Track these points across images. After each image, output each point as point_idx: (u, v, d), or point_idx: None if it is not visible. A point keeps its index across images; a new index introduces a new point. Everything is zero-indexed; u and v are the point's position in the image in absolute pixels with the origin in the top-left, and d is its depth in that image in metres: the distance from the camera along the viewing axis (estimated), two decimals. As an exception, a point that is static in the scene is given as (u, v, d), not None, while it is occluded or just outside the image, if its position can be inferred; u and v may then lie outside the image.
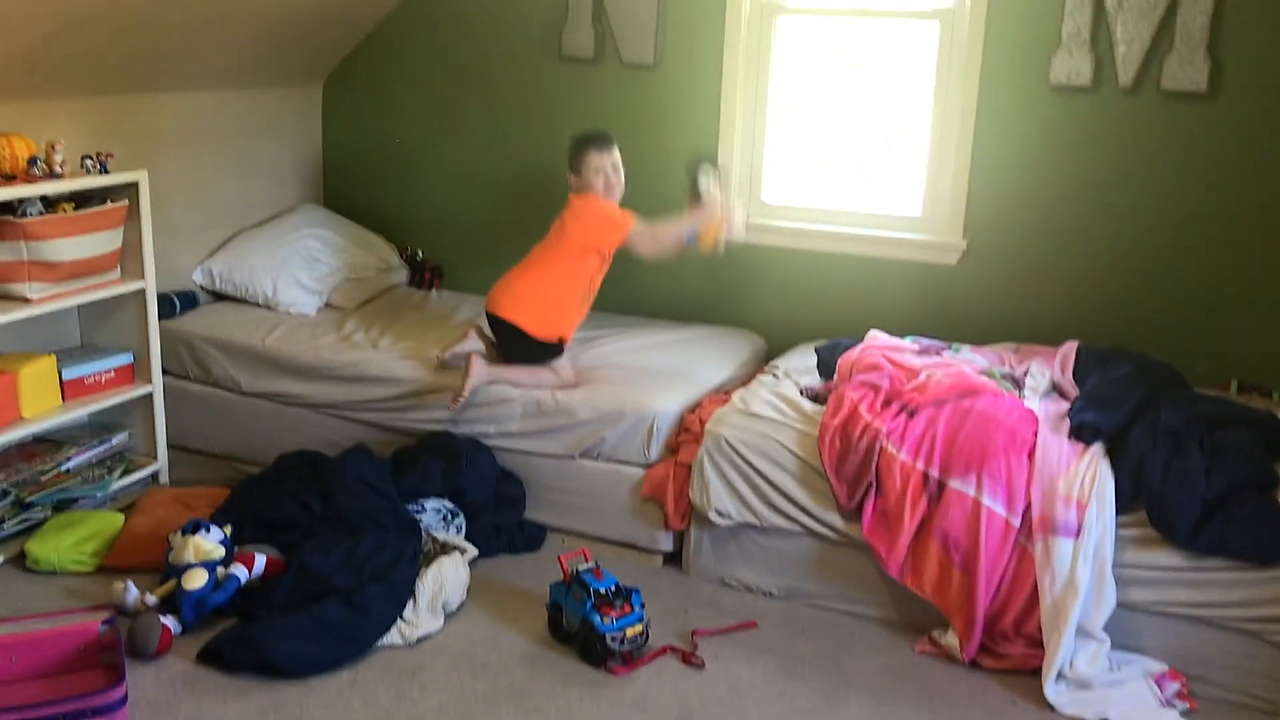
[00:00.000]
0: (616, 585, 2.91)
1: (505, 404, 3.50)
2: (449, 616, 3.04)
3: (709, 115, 4.09)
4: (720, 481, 3.19)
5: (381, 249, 4.59)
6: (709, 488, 3.20)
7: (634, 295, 4.27)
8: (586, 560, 2.99)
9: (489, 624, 3.03)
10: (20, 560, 3.20)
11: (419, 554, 3.15)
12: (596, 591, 2.87)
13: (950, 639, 2.94)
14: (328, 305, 4.26)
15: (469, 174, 4.54)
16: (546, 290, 3.59)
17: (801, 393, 3.39)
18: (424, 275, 4.63)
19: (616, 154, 3.61)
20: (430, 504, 3.37)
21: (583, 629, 2.86)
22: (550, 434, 3.45)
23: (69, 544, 3.21)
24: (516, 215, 4.40)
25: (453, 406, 3.49)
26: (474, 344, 3.65)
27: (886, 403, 3.17)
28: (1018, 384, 3.30)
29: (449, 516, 3.38)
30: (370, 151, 4.71)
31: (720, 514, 3.20)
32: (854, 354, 3.46)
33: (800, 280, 4.11)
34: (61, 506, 3.39)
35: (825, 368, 3.56)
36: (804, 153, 4.13)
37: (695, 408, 3.45)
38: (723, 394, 3.53)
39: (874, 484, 3.02)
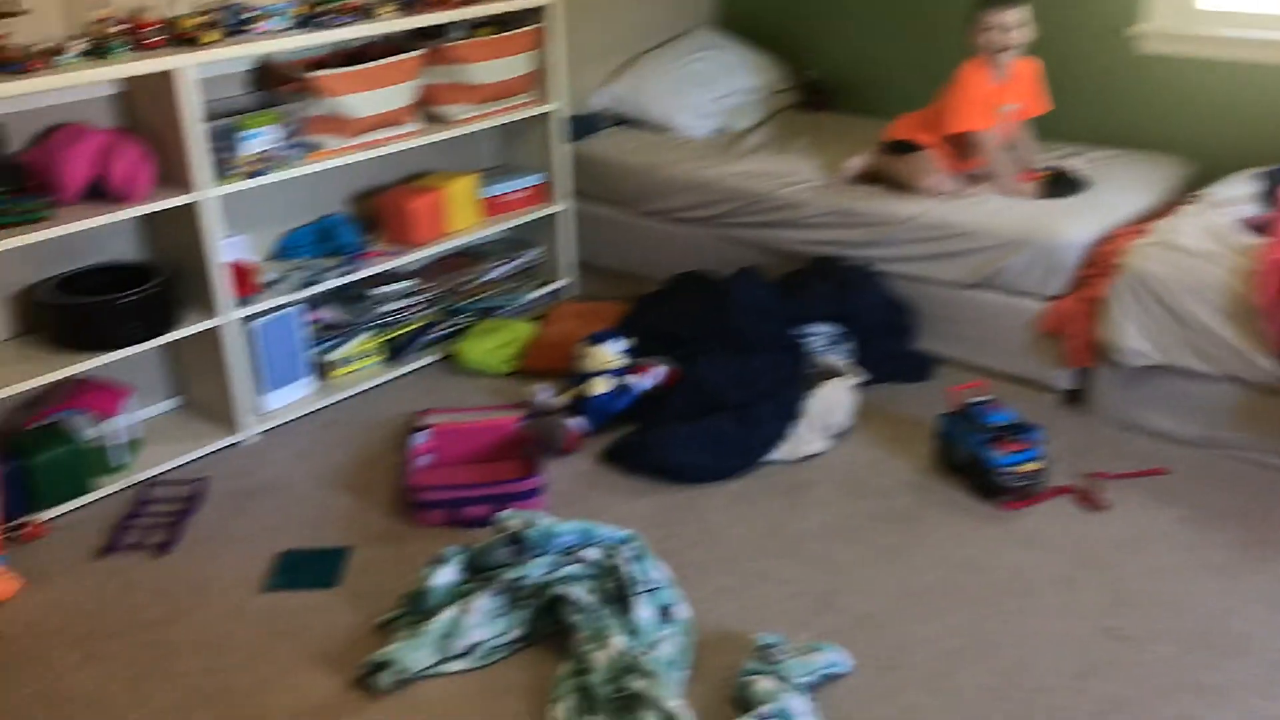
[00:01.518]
0: (1012, 420, 2.79)
1: (898, 225, 3.40)
2: (836, 438, 3.06)
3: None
4: (1136, 319, 2.95)
5: (776, 71, 4.52)
6: (1122, 325, 2.97)
7: (1047, 116, 3.95)
8: (981, 393, 2.89)
9: (876, 449, 3.03)
10: (451, 360, 3.55)
11: (807, 376, 3.17)
12: (991, 425, 2.77)
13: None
14: (722, 128, 4.28)
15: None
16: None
17: (1243, 222, 3.03)
18: (818, 97, 4.53)
19: (1009, 13, 3.36)
20: (819, 328, 3.36)
21: (974, 462, 2.79)
22: (946, 259, 3.32)
23: (490, 347, 3.51)
24: (924, 40, 4.18)
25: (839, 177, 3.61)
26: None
27: (1345, 236, 2.77)
28: None
29: (837, 341, 3.37)
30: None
31: (1131, 353, 2.97)
32: (1306, 180, 3.04)
33: (1237, 98, 3.62)
34: (484, 313, 3.71)
35: (1270, 195, 3.15)
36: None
37: (1109, 238, 3.18)
38: (1139, 225, 3.23)
39: (1321, 327, 2.68)
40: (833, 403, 3.08)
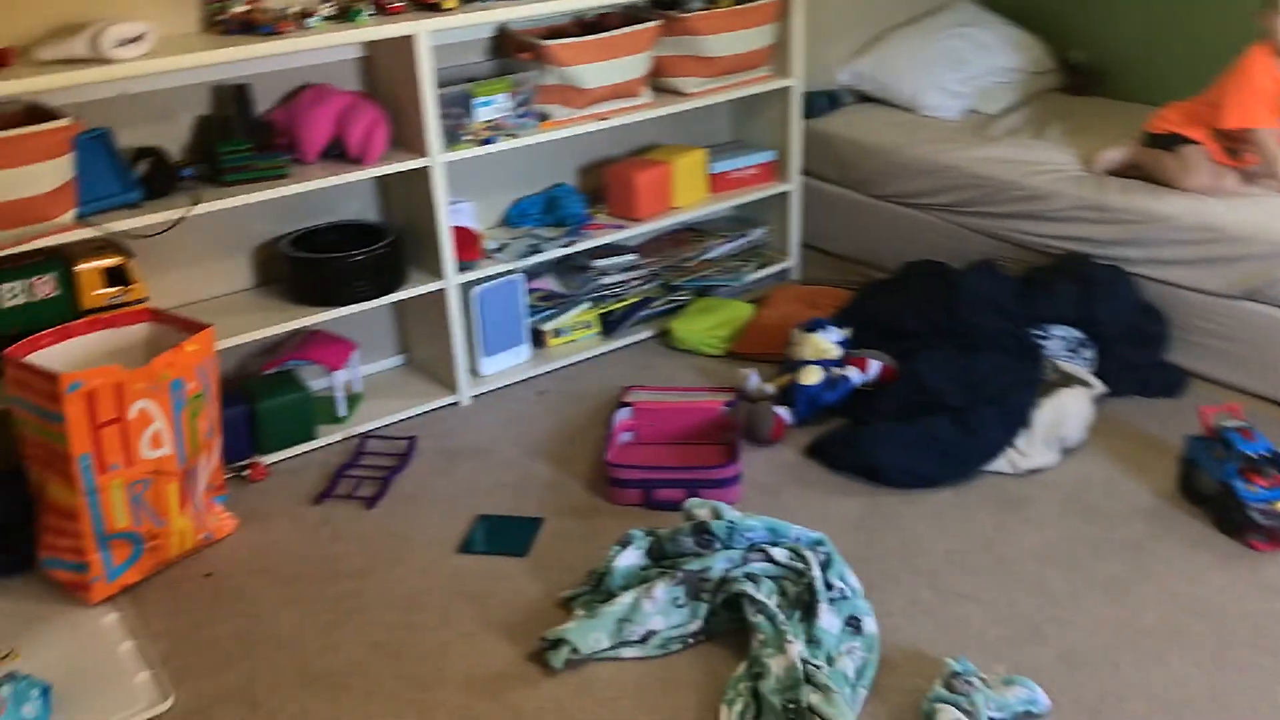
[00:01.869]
0: (1271, 451, 2.49)
1: (1158, 224, 3.09)
2: (1065, 452, 2.82)
3: None
4: None
5: (1035, 50, 4.22)
6: None
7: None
8: (1236, 417, 2.59)
9: (1110, 468, 2.77)
10: (664, 337, 3.51)
11: (1039, 381, 2.94)
12: (1244, 454, 2.48)
13: None
14: (973, 110, 4.03)
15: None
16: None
17: None
18: (1083, 80, 4.20)
19: None
20: (1058, 331, 3.11)
21: (1221, 493, 2.50)
22: (1210, 265, 3.00)
23: (705, 327, 3.45)
24: (1204, 22, 3.80)
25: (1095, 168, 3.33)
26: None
27: None
28: None
29: (1077, 347, 3.11)
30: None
31: None
32: None
33: None
34: (702, 292, 3.64)
35: None
36: None
37: None
38: None
39: None
40: (1066, 413, 2.84)
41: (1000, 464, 2.77)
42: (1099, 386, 2.99)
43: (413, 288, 3.05)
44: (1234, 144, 3.16)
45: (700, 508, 2.41)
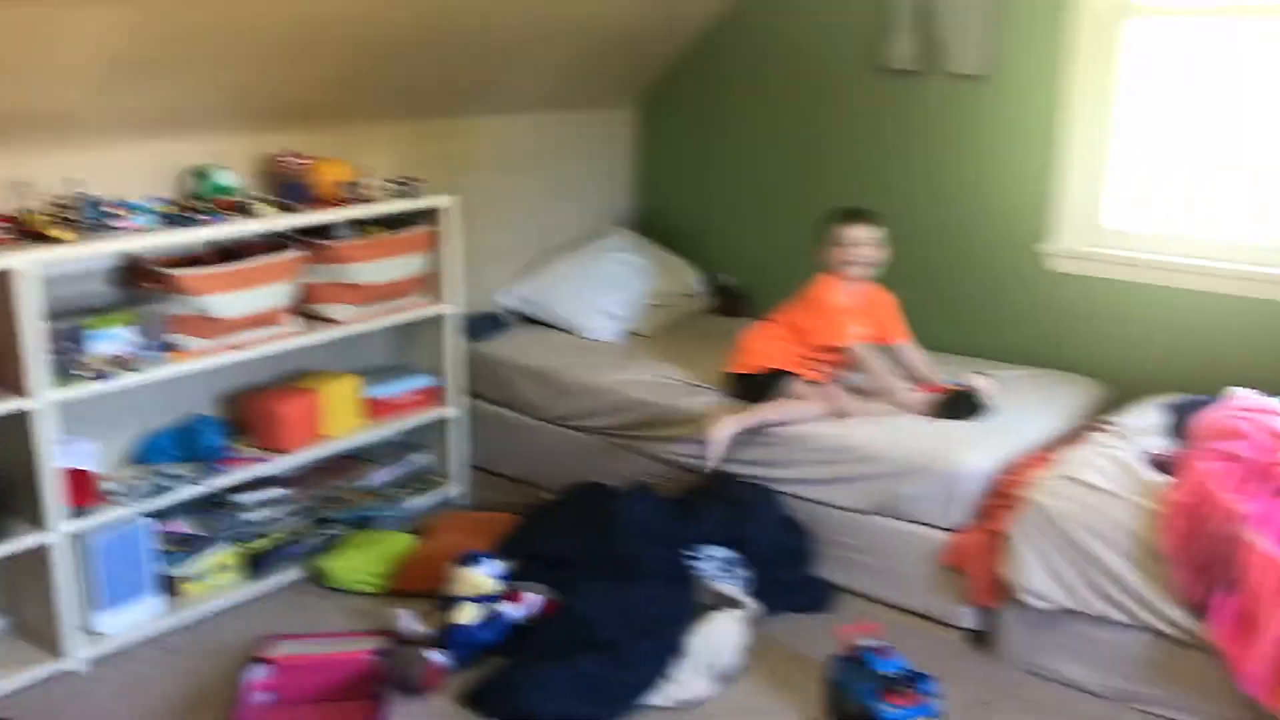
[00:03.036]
0: (906, 670, 2.56)
1: (796, 444, 3.23)
2: (721, 679, 2.80)
3: (1045, 130, 3.62)
4: (1038, 558, 2.76)
5: (688, 274, 4.44)
6: (1024, 564, 2.78)
7: (951, 329, 3.86)
8: (873, 635, 2.66)
9: (764, 693, 2.77)
10: (317, 576, 3.28)
11: (693, 608, 2.94)
12: (881, 675, 2.54)
13: (1325, 778, 2.37)
14: (630, 332, 4.15)
15: (782, 197, 4.29)
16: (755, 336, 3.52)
17: (1145, 459, 2.89)
18: (732, 302, 4.44)
19: (860, 229, 3.37)
20: (712, 551, 3.15)
21: (863, 716, 2.54)
22: (841, 483, 3.14)
23: (360, 563, 3.25)
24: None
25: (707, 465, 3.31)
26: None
27: (1250, 479, 2.62)
28: None
29: (731, 567, 3.15)
30: (682, 174, 4.57)
31: (1036, 595, 2.77)
32: (1212, 415, 2.91)
33: (1148, 321, 3.54)
34: (360, 524, 3.46)
35: (1176, 430, 3.03)
36: (1155, 173, 3.56)
37: (1013, 467, 3.02)
38: (1045, 452, 3.08)
39: (1229, 578, 2.50)
40: (720, 639, 2.84)
41: (659, 698, 2.71)
42: (753, 606, 3.02)
43: (11, 542, 2.70)
44: (822, 362, 3.39)
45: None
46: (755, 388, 3.39)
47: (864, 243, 3.36)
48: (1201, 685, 2.60)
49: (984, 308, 3.85)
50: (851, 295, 3.42)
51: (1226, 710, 2.56)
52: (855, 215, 3.41)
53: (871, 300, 3.48)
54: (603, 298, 4.13)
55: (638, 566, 3.03)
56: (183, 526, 3.16)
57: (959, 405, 3.24)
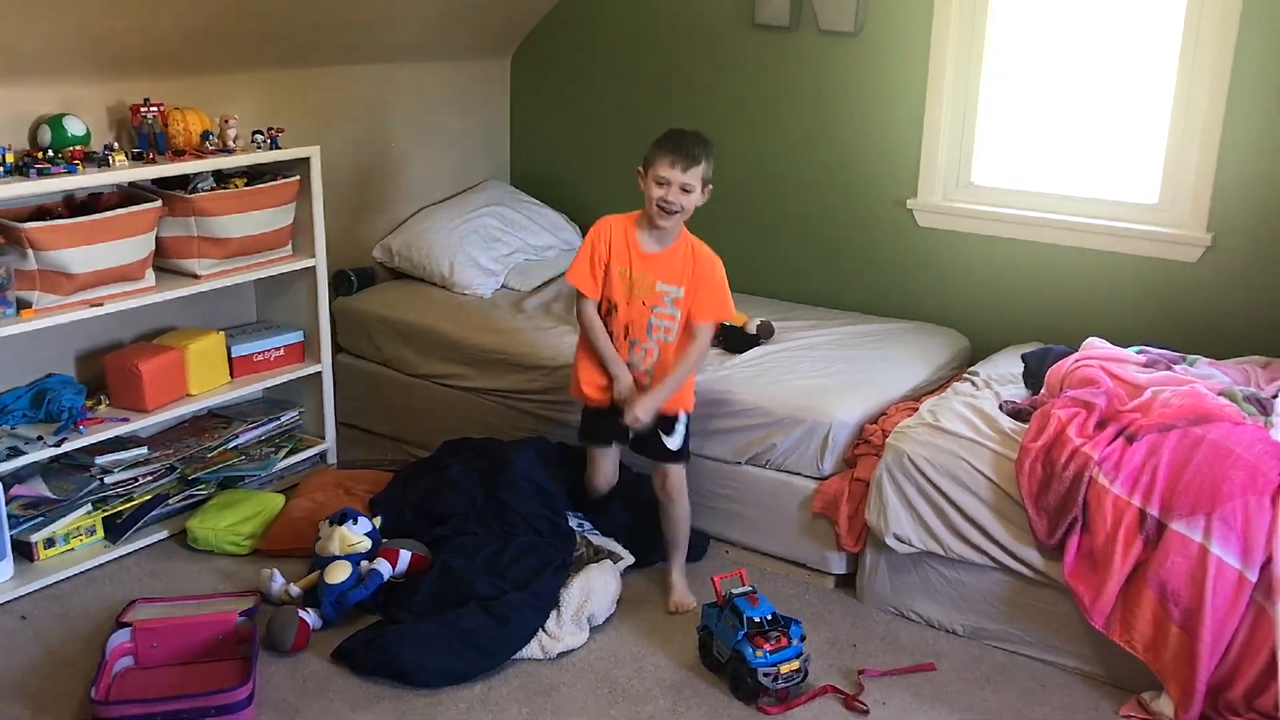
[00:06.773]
0: (773, 614, 2.62)
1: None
2: (595, 630, 2.83)
3: (914, 87, 3.69)
4: (901, 503, 2.85)
5: (565, 230, 4.42)
6: (887, 509, 2.86)
7: (822, 283, 3.93)
8: (743, 583, 2.72)
9: (636, 642, 2.81)
10: (182, 537, 3.20)
11: (568, 563, 2.95)
12: (750, 619, 2.59)
13: (1163, 705, 2.51)
14: (505, 287, 4.12)
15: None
16: None
17: (1001, 406, 2.99)
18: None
19: (673, 169, 2.73)
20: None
21: (733, 660, 2.59)
22: (715, 436, 3.18)
23: (227, 524, 3.18)
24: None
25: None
26: None
27: (1101, 425, 2.74)
28: (1264, 408, 2.79)
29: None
30: (557, 127, 4.54)
31: (899, 539, 2.86)
32: (1066, 364, 3.03)
33: (1011, 274, 3.67)
34: (226, 484, 3.38)
35: (1033, 378, 3.14)
36: (1021, 130, 3.67)
37: (878, 416, 3.11)
38: (912, 402, 3.17)
39: (1080, 519, 2.62)
40: (593, 591, 2.86)
41: (531, 650, 2.72)
42: (627, 558, 3.06)
43: None
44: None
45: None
46: None
47: (678, 183, 2.74)
48: (1054, 621, 2.72)
49: (855, 262, 3.92)
50: (650, 247, 2.84)
51: (1077, 645, 2.70)
52: (675, 145, 2.75)
53: (683, 257, 2.85)
54: (476, 252, 4.08)
55: (518, 521, 3.03)
56: (40, 489, 3.04)
57: (732, 339, 3.40)
